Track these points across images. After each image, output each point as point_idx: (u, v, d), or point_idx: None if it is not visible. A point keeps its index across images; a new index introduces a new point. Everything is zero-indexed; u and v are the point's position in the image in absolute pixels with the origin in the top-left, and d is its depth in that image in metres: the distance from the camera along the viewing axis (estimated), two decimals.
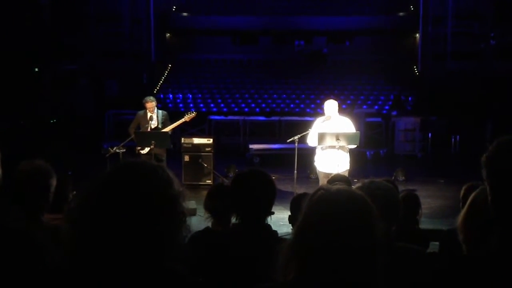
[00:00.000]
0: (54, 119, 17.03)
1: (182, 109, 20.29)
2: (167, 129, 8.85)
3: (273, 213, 2.60)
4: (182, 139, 10.64)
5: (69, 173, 8.57)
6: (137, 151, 8.74)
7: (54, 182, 2.54)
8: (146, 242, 1.24)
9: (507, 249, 1.43)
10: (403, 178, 11.25)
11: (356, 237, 1.30)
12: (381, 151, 15.71)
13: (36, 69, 18.70)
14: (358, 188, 2.24)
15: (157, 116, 9.00)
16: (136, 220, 1.24)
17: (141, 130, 8.88)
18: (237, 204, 2.52)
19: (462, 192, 3.34)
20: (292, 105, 22.27)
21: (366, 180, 2.33)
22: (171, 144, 8.88)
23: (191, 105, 22.14)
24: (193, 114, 9.09)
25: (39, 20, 18.53)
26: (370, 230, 1.32)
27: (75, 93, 19.06)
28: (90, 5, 22.13)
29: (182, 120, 9.00)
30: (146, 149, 8.62)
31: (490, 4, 21.32)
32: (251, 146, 14.88)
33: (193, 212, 7.46)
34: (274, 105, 22.30)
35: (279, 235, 2.57)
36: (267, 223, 2.55)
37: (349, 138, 7.15)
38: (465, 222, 1.74)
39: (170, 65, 25.42)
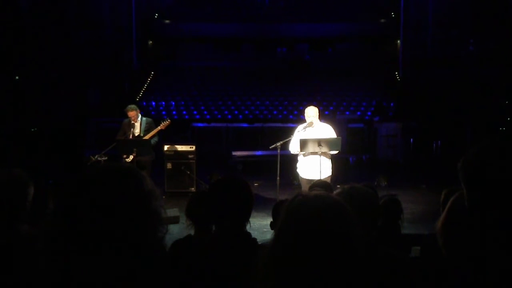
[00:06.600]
0: (35, 128, 16.84)
1: (165, 117, 20.18)
2: (146, 137, 8.81)
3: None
4: (165, 146, 10.58)
5: (50, 182, 8.48)
6: (124, 159, 8.66)
7: (31, 190, 2.50)
8: (121, 243, 1.23)
9: (483, 252, 1.44)
10: (385, 183, 11.32)
11: (333, 242, 1.30)
12: (363, 157, 15.79)
13: (17, 77, 18.51)
14: (338, 193, 2.25)
15: (141, 124, 8.97)
16: (109, 221, 1.23)
17: (122, 138, 8.84)
18: (214, 212, 2.51)
19: (442, 196, 3.36)
20: (275, 112, 22.31)
21: (345, 186, 2.34)
22: (152, 152, 8.86)
23: (174, 112, 22.08)
24: (167, 122, 9.07)
25: (19, 27, 18.35)
26: (348, 236, 1.32)
27: (56, 101, 18.87)
28: (71, 12, 21.95)
29: (158, 128, 8.96)
30: (131, 157, 8.57)
31: (469, 11, 21.63)
32: (234, 153, 14.86)
33: (176, 220, 7.43)
34: (257, 112, 22.32)
35: (263, 242, 2.56)
36: (246, 230, 2.53)
37: (330, 143, 7.18)
38: (444, 226, 1.75)
39: (152, 73, 25.32)
